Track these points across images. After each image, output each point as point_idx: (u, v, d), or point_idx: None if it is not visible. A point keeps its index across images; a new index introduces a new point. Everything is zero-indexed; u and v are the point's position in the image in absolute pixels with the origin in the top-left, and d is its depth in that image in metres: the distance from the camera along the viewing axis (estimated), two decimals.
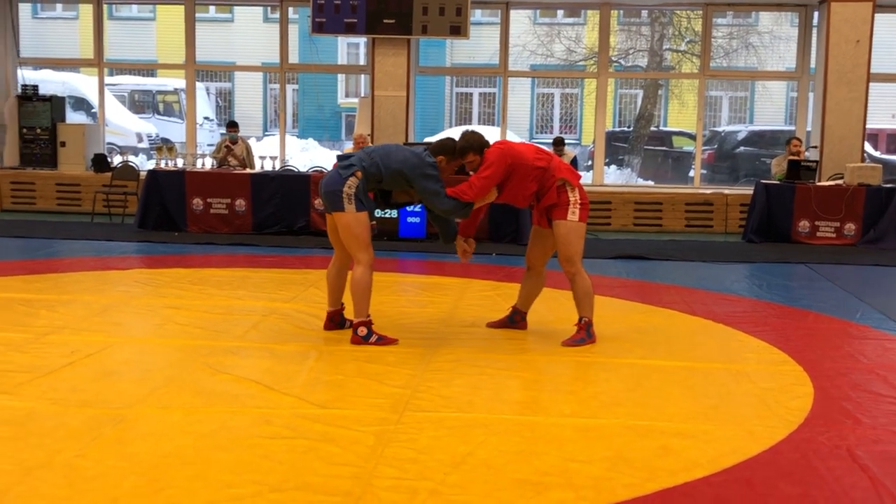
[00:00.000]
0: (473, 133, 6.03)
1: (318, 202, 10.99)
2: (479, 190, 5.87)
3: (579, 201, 6.01)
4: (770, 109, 23.67)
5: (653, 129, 21.46)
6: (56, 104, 14.29)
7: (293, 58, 16.14)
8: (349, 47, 24.70)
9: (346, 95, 25.88)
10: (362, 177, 5.81)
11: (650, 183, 18.06)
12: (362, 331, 5.89)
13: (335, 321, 6.28)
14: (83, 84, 20.18)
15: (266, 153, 12.56)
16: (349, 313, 6.17)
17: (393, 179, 5.92)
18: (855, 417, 4.65)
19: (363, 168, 5.84)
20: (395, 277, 7.74)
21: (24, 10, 16.94)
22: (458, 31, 12.96)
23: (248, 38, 23.88)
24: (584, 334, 6.07)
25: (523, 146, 6.16)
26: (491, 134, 18.36)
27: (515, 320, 6.52)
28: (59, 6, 24.60)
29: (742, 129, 20.88)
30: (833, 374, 5.46)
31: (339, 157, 6.02)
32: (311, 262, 9.32)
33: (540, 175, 5.97)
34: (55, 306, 6.86)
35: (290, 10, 14.35)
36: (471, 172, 6.02)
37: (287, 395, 4.83)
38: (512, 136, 16.31)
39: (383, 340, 5.91)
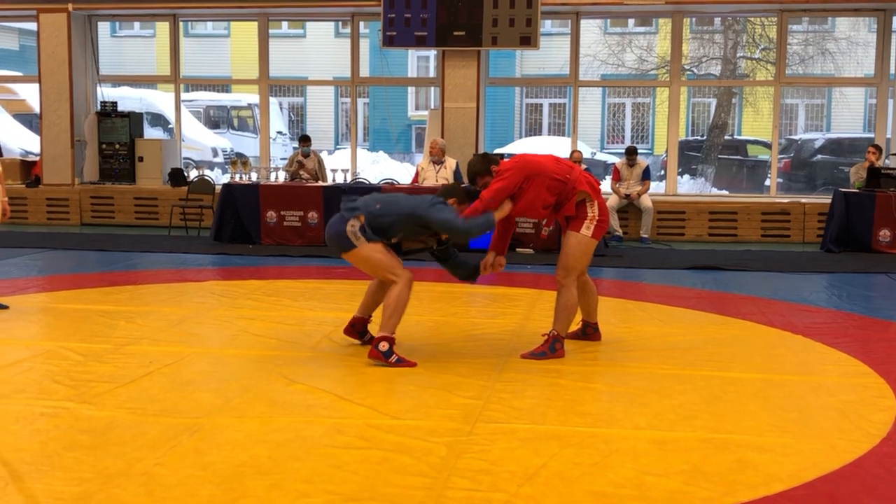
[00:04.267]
0: (477, 157, 6.05)
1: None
2: (489, 202, 5.76)
3: (597, 217, 5.90)
4: (848, 117, 23.19)
5: (727, 137, 21.16)
6: (134, 120, 14.59)
7: (364, 71, 16.26)
8: (419, 60, 24.85)
9: (417, 108, 26.03)
10: (364, 221, 5.65)
11: (724, 192, 17.80)
12: (384, 346, 5.63)
13: (357, 329, 6.12)
14: (160, 100, 20.65)
15: (338, 166, 12.68)
16: (374, 329, 5.99)
17: (404, 225, 5.72)
18: None
19: (367, 213, 5.68)
20: (465, 288, 7.74)
21: (103, 28, 17.37)
22: (529, 41, 12.94)
23: (319, 52, 24.19)
24: (547, 348, 5.91)
25: (544, 158, 6.02)
26: (562, 145, 18.25)
27: (588, 332, 6.44)
28: (136, 25, 25.27)
29: (819, 137, 20.47)
30: None
31: (346, 200, 5.87)
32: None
33: (559, 188, 5.85)
34: (134, 318, 7.00)
35: (361, 24, 14.48)
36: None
37: (360, 405, 4.85)
38: (583, 147, 16.25)
39: (403, 363, 5.64)
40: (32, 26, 14.54)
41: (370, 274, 5.89)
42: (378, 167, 20.04)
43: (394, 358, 5.64)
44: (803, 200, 13.14)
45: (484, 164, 5.95)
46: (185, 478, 3.80)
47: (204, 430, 4.40)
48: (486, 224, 5.74)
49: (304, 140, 12.72)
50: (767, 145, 17.37)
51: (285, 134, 23.63)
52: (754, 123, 22.87)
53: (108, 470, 3.87)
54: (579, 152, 12.36)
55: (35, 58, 14.39)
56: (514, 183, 5.78)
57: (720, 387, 5.29)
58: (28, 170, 14.95)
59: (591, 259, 6.07)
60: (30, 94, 19.56)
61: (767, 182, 14.85)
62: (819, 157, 19.11)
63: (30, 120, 20.02)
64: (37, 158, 15.07)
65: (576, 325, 6.41)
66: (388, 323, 5.67)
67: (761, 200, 13.45)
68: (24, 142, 19.14)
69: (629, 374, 5.60)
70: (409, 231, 5.77)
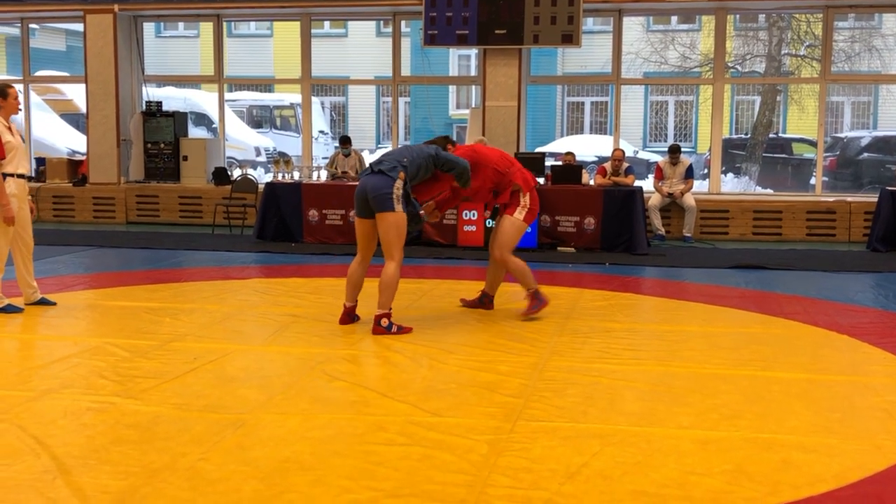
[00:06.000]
0: (441, 137, 7.14)
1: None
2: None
3: (528, 206, 7.03)
4: (895, 114, 22.85)
5: (771, 135, 20.94)
6: (178, 120, 14.74)
7: (405, 70, 16.27)
8: (460, 59, 24.86)
9: (458, 107, 26.03)
10: (405, 177, 6.39)
11: (769, 191, 17.61)
12: (384, 322, 6.43)
13: (352, 316, 6.82)
14: (204, 100, 20.85)
15: None
16: (359, 310, 6.85)
17: (423, 167, 6.54)
18: None
19: (404, 168, 6.40)
20: (506, 287, 7.73)
21: (148, 29, 17.59)
22: (571, 39, 12.89)
23: (361, 52, 24.29)
24: (536, 301, 7.00)
25: (490, 151, 7.17)
26: (605, 143, 18.13)
27: (484, 302, 7.42)
28: (180, 25, 25.54)
29: (865, 135, 20.18)
30: None
31: (374, 164, 6.51)
32: (424, 271, 9.39)
33: (498, 178, 6.96)
34: (178, 314, 7.08)
35: (403, 23, 14.51)
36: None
37: (401, 402, 4.87)
38: (625, 145, 16.16)
39: (403, 330, 6.46)
40: (79, 27, 14.73)
41: (386, 239, 6.45)
42: None
43: (395, 328, 6.45)
44: (849, 199, 12.96)
45: (442, 142, 7.01)
46: (229, 473, 3.84)
47: (247, 425, 4.45)
48: (467, 179, 6.72)
49: (344, 142, 12.79)
50: (813, 143, 17.17)
51: (327, 133, 23.76)
52: (799, 121, 22.60)
53: (154, 464, 3.93)
54: (621, 150, 12.29)
55: (81, 58, 14.59)
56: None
57: (764, 386, 5.25)
58: (75, 169, 15.16)
59: (520, 239, 7.16)
60: (76, 94, 19.84)
61: (813, 180, 14.68)
62: (865, 155, 18.84)
63: (76, 120, 20.32)
64: (83, 157, 15.28)
65: (476, 294, 7.48)
66: (384, 301, 6.48)
67: (806, 199, 13.28)
68: (71, 141, 19.43)
69: (672, 373, 5.57)
70: (425, 173, 6.59)
